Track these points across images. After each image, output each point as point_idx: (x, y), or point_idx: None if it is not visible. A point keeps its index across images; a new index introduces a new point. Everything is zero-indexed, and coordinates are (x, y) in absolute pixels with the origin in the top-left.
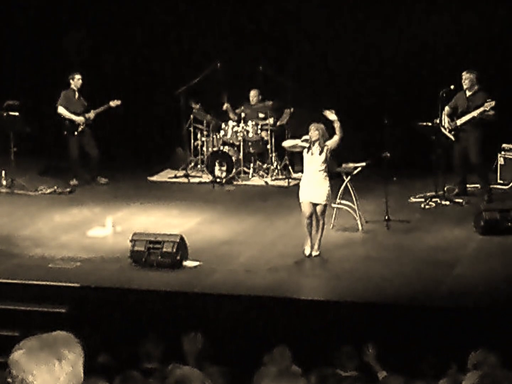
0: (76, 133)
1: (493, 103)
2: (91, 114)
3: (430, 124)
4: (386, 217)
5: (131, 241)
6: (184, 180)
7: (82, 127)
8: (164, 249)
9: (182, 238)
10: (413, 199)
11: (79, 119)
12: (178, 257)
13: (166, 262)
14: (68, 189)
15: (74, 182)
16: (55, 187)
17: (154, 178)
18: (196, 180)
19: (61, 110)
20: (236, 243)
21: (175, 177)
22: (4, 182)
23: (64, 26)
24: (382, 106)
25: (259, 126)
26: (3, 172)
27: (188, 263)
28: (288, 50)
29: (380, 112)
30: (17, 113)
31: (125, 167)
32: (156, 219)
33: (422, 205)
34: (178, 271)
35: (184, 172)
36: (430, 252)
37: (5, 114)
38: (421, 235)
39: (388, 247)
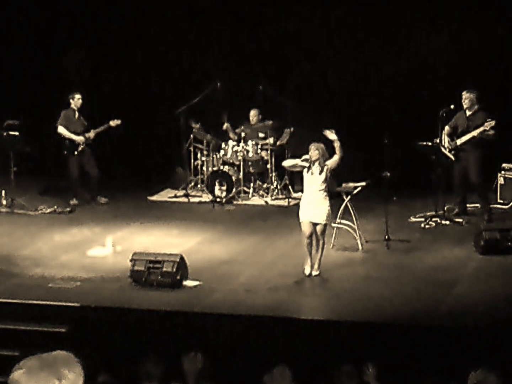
0: (76, 152)
1: (493, 123)
2: (91, 134)
3: (430, 143)
4: (386, 237)
5: (131, 260)
6: (184, 199)
7: (82, 146)
8: (164, 269)
9: (182, 258)
10: (413, 219)
11: (79, 138)
12: (178, 277)
13: (166, 282)
14: (68, 209)
15: (74, 201)
16: (55, 207)
17: (154, 197)
18: (196, 199)
19: (61, 129)
20: (236, 262)
21: (175, 196)
22: (4, 202)
23: (63, 45)
24: (382, 126)
25: (259, 146)
26: (3, 192)
27: (188, 283)
28: (288, 70)
29: (380, 131)
30: (17, 133)
31: (125, 186)
32: (156, 239)
33: (422, 225)
34: (178, 291)
35: (184, 191)
36: (430, 272)
37: (5, 134)
38: (421, 254)
39: (388, 267)
